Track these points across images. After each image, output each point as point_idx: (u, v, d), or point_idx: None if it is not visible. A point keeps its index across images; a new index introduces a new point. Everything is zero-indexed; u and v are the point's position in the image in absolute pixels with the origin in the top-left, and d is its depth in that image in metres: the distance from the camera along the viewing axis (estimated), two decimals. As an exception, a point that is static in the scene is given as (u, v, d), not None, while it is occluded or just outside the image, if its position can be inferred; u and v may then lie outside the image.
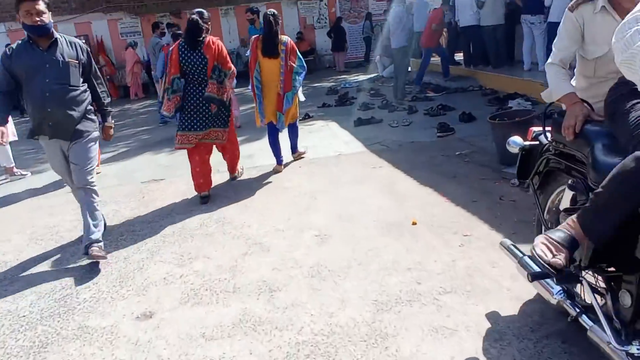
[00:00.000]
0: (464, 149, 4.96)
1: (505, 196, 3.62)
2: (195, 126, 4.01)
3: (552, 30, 7.50)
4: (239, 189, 4.48)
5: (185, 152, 4.24)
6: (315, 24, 15.49)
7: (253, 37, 4.70)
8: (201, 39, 3.91)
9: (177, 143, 4.07)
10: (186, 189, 4.54)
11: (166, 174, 5.32)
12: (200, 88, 3.99)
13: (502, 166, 4.24)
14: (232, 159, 4.60)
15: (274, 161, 4.94)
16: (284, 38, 4.52)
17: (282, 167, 4.95)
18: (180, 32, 7.19)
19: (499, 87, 8.13)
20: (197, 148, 4.10)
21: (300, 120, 5.81)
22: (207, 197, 4.22)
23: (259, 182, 4.65)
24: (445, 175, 4.21)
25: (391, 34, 8.08)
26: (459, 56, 10.80)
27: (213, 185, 4.39)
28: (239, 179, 4.79)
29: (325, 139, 6.17)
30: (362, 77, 12.14)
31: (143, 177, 5.29)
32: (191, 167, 4.17)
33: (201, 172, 4.16)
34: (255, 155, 5.60)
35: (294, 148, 5.21)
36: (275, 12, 4.56)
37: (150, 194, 4.67)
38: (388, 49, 15.32)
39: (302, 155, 5.29)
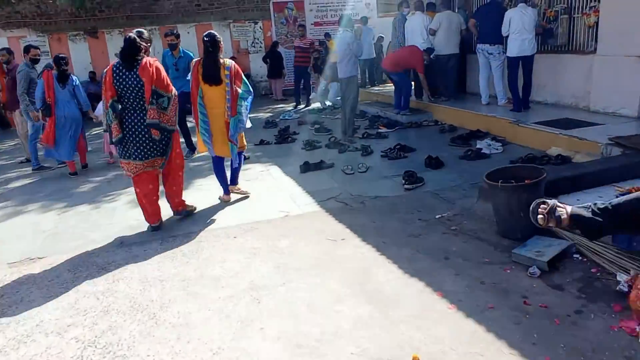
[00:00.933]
0: (444, 210, 3.94)
1: (529, 296, 2.57)
2: (134, 155, 3.75)
3: (510, 65, 6.88)
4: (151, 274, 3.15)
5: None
6: (249, 48, 14.35)
7: (194, 60, 4.34)
8: (138, 59, 3.61)
9: (125, 170, 3.90)
10: (70, 277, 3.15)
11: (50, 248, 3.86)
12: (137, 114, 3.69)
13: (504, 240, 3.24)
14: (176, 192, 4.19)
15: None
16: (228, 62, 4.17)
17: (230, 196, 4.66)
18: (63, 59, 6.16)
19: (457, 123, 7.34)
20: (140, 178, 3.87)
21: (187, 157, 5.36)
22: (159, 227, 4.03)
23: (193, 251, 3.34)
24: (434, 256, 3.12)
25: (338, 62, 7.08)
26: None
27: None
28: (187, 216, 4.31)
29: (267, 190, 4.95)
30: (303, 107, 11.10)
31: (12, 254, 3.79)
32: (137, 197, 4.00)
33: (148, 203, 3.95)
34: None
35: (234, 179, 4.73)
36: (215, 35, 4.18)
37: (10, 294, 3.20)
38: (335, 75, 14.71)
39: (241, 192, 4.78)
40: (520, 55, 6.64)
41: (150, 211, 3.95)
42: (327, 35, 13.71)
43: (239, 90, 4.15)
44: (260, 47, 14.42)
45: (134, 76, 3.59)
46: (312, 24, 14.32)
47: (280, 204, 4.44)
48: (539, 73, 7.27)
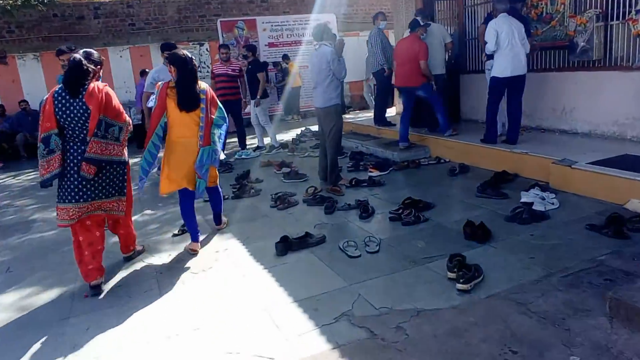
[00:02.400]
0: (558, 348, 2.16)
1: None
2: (77, 196, 3.12)
3: (496, 88, 5.46)
4: None
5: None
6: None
7: (160, 83, 3.65)
8: (85, 84, 3.07)
9: (58, 219, 3.15)
10: None
11: None
12: (83, 147, 3.10)
13: None
14: (126, 236, 3.63)
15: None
16: (203, 85, 3.61)
17: (199, 244, 3.83)
18: None
19: (467, 161, 5.70)
20: (82, 224, 3.20)
21: (176, 235, 4.22)
22: (100, 287, 3.22)
23: None
24: None
25: (314, 87, 5.30)
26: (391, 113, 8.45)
27: None
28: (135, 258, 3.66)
29: (229, 300, 3.00)
30: (265, 140, 9.20)
31: None
32: (75, 252, 3.26)
33: (90, 255, 3.22)
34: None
35: (217, 217, 4.22)
36: (184, 51, 3.63)
37: None
38: (294, 107, 12.97)
39: (224, 225, 4.27)
40: (513, 75, 5.25)
41: (93, 267, 3.23)
42: (286, 57, 12.05)
43: (213, 117, 3.64)
44: (208, 71, 12.44)
45: (80, 104, 3.06)
46: (266, 45, 12.60)
47: (253, 338, 2.51)
48: (560, 95, 5.82)
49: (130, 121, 3.37)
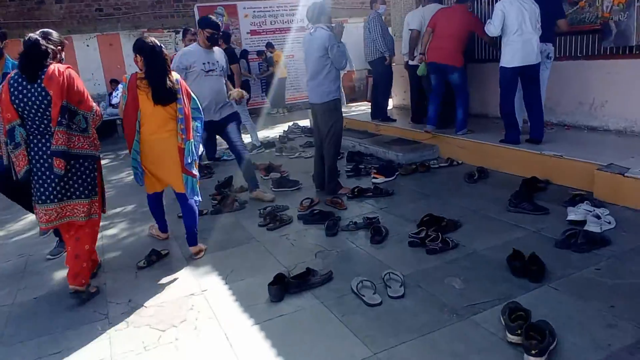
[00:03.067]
0: None
1: None
2: (47, 195, 2.74)
3: (507, 79, 4.72)
4: None
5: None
6: (170, 63, 11.30)
7: (128, 75, 3.21)
8: (43, 67, 2.69)
9: (40, 222, 2.80)
10: None
11: None
12: (45, 139, 2.72)
13: None
14: (85, 257, 2.90)
15: None
16: (175, 75, 3.20)
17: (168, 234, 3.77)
18: None
19: (485, 163, 4.93)
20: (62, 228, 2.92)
21: (142, 267, 3.33)
22: (81, 294, 2.85)
23: None
24: None
25: (309, 79, 4.45)
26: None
27: None
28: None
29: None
30: (246, 140, 8.31)
31: None
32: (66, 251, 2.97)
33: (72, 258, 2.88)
34: None
35: (191, 237, 3.39)
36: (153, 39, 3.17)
37: None
38: (281, 101, 12.01)
39: (202, 251, 3.45)
40: (523, 65, 4.53)
41: (79, 272, 2.85)
42: (270, 45, 11.11)
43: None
44: (184, 61, 11.45)
45: (39, 89, 2.64)
46: (248, 33, 11.64)
47: None
48: (589, 87, 5.08)
49: (99, 110, 2.96)
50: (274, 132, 8.91)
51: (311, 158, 6.26)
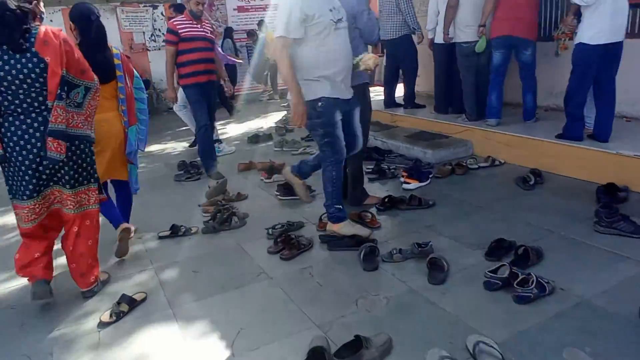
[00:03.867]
0: None
1: None
2: (27, 189, 2.32)
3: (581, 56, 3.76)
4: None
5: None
6: (147, 42, 10.14)
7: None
8: (31, 31, 2.24)
9: (24, 222, 2.37)
10: None
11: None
12: (31, 119, 2.27)
13: None
14: (84, 253, 2.52)
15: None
16: (114, 49, 2.89)
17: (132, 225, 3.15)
18: None
19: (536, 164, 4.04)
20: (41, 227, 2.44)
21: (107, 323, 2.33)
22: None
23: None
24: None
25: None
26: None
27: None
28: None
29: None
30: (237, 131, 7.27)
31: None
32: (21, 250, 2.45)
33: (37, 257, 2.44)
34: None
35: (118, 219, 3.00)
36: (94, 8, 2.80)
37: None
38: (274, 84, 10.81)
39: (131, 234, 3.05)
40: (609, 43, 3.68)
41: (43, 266, 2.47)
42: (262, 23, 9.97)
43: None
44: (164, 41, 10.27)
45: (28, 58, 2.20)
46: (234, 9, 10.51)
47: None
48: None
49: (97, 82, 2.52)
50: (268, 121, 7.88)
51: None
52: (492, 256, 2.65)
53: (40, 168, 2.30)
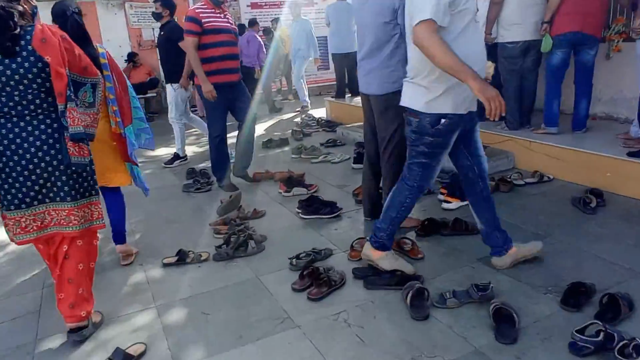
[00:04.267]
0: None
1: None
2: (22, 198, 2.09)
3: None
4: None
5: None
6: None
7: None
8: (25, 29, 2.00)
9: (10, 232, 2.13)
10: None
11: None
12: (25, 122, 2.05)
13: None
14: (73, 279, 2.19)
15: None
16: (100, 48, 2.65)
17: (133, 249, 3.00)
18: None
19: (590, 181, 3.54)
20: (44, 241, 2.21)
21: None
22: (82, 330, 2.17)
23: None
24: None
25: (366, 56, 2.97)
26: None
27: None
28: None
29: None
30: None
31: None
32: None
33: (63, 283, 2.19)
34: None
35: (119, 235, 2.91)
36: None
37: None
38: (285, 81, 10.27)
39: (131, 255, 2.94)
40: None
41: (73, 301, 2.17)
42: (277, 20, 9.49)
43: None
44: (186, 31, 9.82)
45: (24, 56, 1.99)
46: (248, 6, 10.06)
47: None
48: None
49: (102, 78, 2.34)
50: (282, 124, 7.41)
51: (340, 163, 4.84)
52: (569, 305, 2.16)
53: (33, 177, 2.06)
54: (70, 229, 2.11)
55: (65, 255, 2.16)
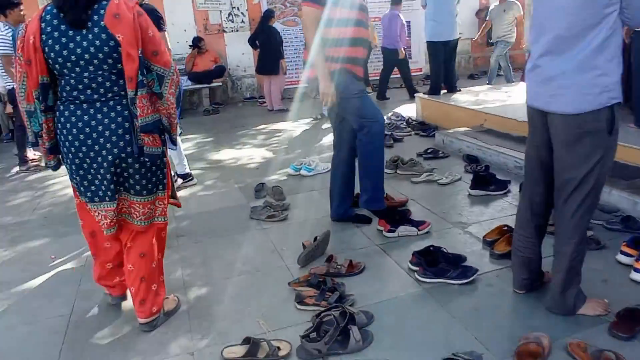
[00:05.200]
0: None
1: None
2: (104, 190, 2.01)
3: None
4: None
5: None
6: (224, 23, 8.91)
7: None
8: (102, 2, 1.86)
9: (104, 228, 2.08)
10: None
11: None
12: (95, 109, 1.93)
13: None
14: (151, 272, 2.16)
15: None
16: None
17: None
18: None
19: None
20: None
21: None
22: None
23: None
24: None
25: (549, 51, 1.86)
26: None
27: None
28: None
29: None
30: (315, 135, 5.77)
31: None
32: (95, 261, 2.29)
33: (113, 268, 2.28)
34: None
35: None
36: None
37: None
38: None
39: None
40: None
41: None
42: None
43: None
44: (243, 21, 9.01)
45: (95, 33, 1.85)
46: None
47: None
48: None
49: (177, 68, 2.06)
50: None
51: (451, 184, 3.75)
52: None
53: (112, 169, 1.97)
54: (139, 223, 2.08)
55: (140, 254, 2.11)
